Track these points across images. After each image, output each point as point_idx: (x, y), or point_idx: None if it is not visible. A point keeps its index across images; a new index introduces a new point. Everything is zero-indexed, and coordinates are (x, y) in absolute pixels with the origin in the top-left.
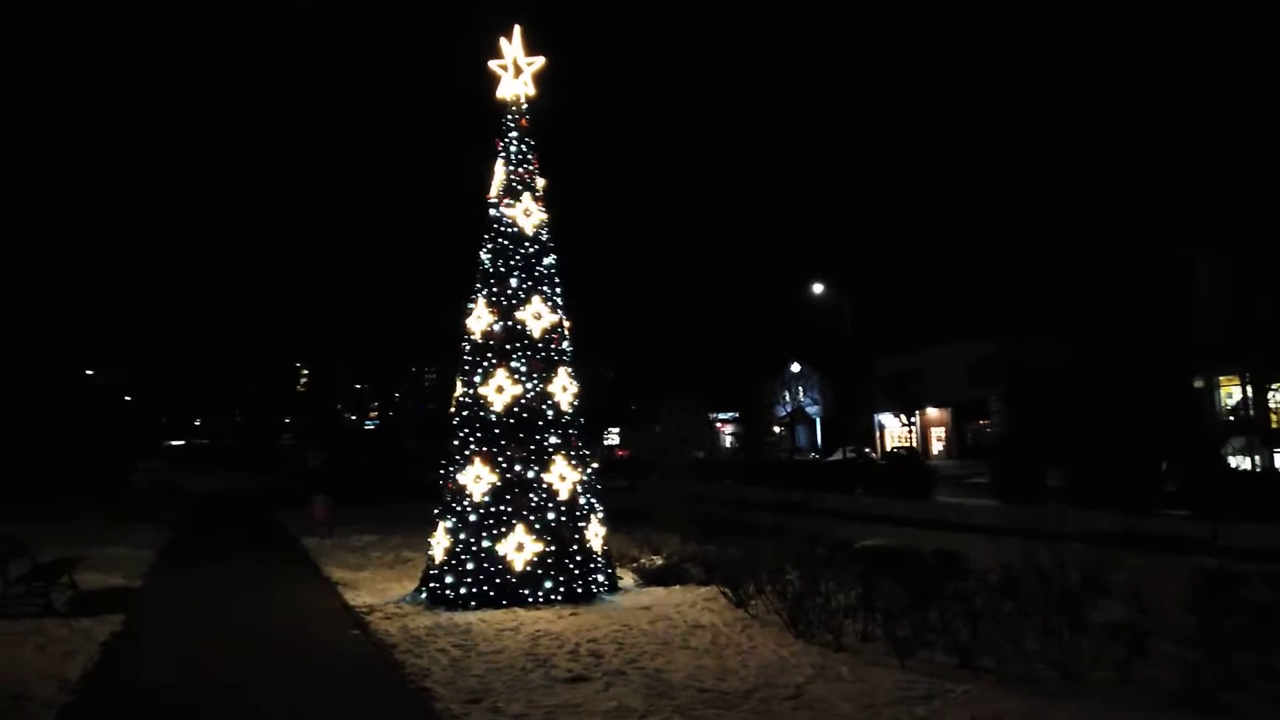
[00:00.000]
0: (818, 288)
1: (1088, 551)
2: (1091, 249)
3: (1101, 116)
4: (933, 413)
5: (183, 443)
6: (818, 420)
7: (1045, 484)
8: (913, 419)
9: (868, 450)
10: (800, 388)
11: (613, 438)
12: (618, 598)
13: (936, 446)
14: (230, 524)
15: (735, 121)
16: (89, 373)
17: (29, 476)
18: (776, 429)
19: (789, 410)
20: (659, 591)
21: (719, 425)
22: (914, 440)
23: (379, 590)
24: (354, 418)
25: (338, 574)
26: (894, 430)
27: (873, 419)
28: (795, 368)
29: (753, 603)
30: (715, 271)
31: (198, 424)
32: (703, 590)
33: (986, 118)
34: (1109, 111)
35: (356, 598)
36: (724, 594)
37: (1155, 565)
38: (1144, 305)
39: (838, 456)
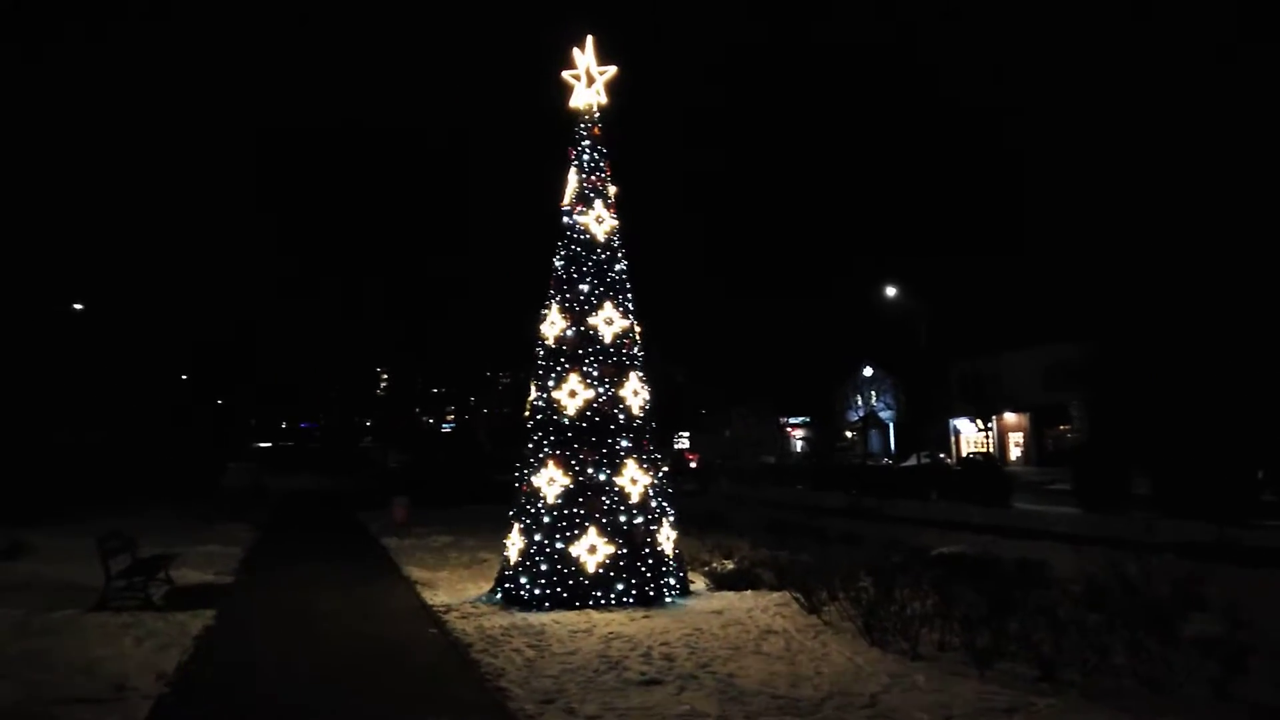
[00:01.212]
0: (891, 290)
1: (1178, 563)
2: (1173, 241)
3: (1180, 108)
4: (1010, 418)
5: (270, 445)
6: (891, 425)
7: (1131, 492)
8: (989, 424)
9: (943, 456)
10: (873, 392)
11: (683, 442)
12: (689, 601)
13: (1014, 453)
14: (314, 524)
15: (808, 123)
16: (184, 377)
17: (129, 476)
18: (848, 434)
19: (861, 415)
20: (730, 596)
21: (789, 430)
22: (990, 446)
23: (456, 590)
24: (431, 421)
25: (416, 574)
26: (970, 436)
27: (948, 424)
28: (867, 371)
29: (826, 609)
30: (787, 275)
31: (284, 426)
32: (775, 595)
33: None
34: (1188, 102)
35: (434, 597)
36: (796, 599)
37: (1253, 578)
38: (1236, 303)
39: (912, 462)
